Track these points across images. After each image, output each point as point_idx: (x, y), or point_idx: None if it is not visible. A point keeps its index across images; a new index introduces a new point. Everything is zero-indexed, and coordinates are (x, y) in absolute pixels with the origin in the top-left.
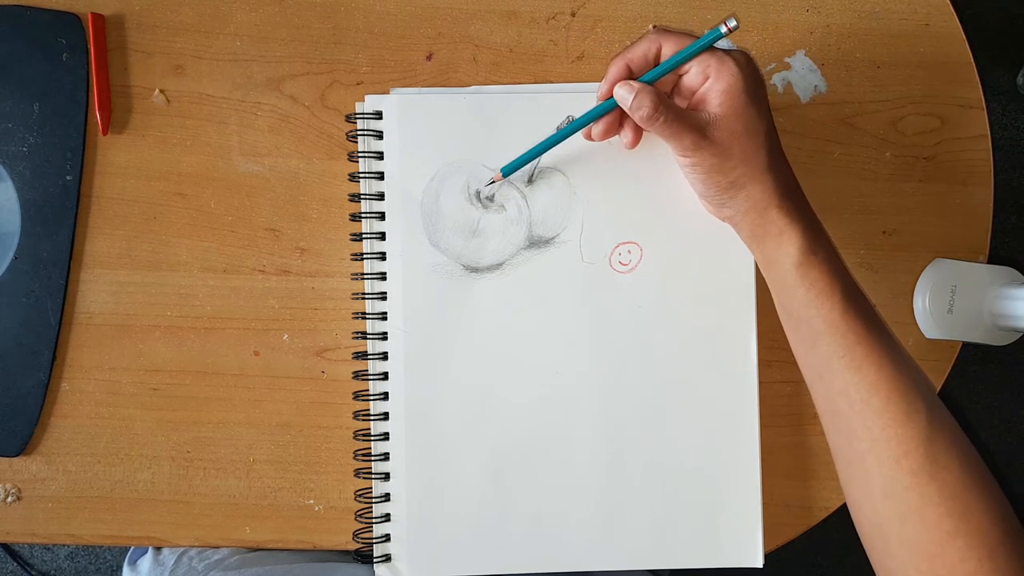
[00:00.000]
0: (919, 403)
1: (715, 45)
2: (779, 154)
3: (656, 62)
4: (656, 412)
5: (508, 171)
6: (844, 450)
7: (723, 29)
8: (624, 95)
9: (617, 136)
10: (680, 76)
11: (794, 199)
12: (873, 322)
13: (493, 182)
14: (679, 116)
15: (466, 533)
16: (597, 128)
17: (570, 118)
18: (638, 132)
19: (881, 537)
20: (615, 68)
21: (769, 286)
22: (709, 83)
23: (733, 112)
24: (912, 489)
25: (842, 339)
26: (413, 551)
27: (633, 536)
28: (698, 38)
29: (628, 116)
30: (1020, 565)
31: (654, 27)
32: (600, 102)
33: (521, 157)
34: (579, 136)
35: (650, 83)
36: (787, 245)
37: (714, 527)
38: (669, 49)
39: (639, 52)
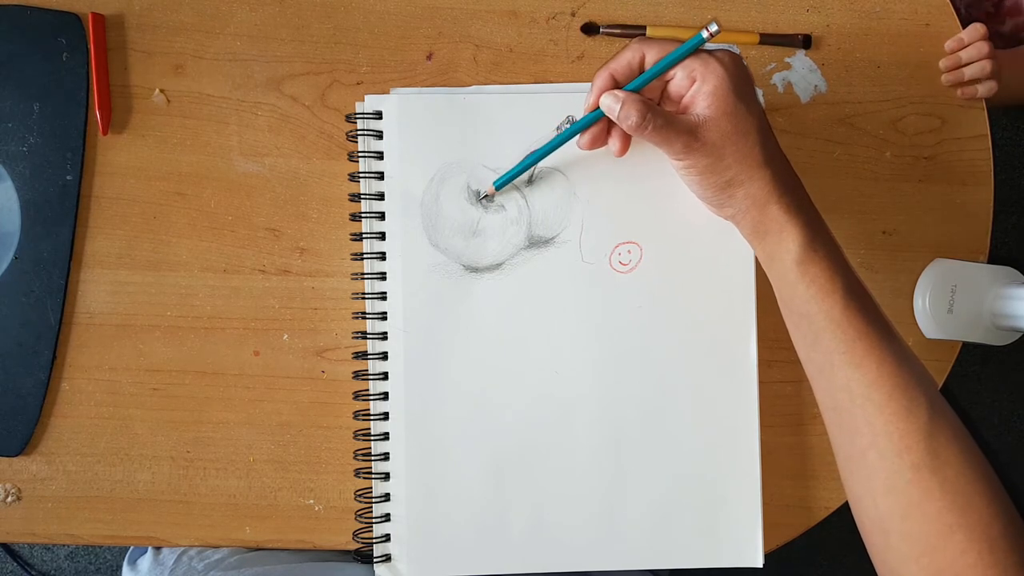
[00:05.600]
0: (920, 398)
1: (705, 46)
2: (775, 150)
3: (640, 71)
4: (656, 412)
5: (500, 184)
6: (846, 446)
7: (704, 34)
8: (611, 105)
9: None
10: (667, 82)
11: (794, 195)
12: (874, 318)
13: (487, 196)
14: (668, 121)
15: (466, 533)
16: (584, 139)
17: (570, 118)
18: (626, 140)
19: (882, 532)
20: (600, 80)
21: (771, 282)
22: (696, 86)
23: (722, 112)
24: (913, 483)
25: (843, 335)
26: (413, 551)
27: (633, 536)
28: (682, 43)
29: (615, 125)
30: (1020, 559)
31: (638, 38)
32: (587, 113)
33: (511, 171)
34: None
35: (635, 91)
36: (787, 241)
37: (714, 527)
38: (652, 57)
39: (623, 62)
